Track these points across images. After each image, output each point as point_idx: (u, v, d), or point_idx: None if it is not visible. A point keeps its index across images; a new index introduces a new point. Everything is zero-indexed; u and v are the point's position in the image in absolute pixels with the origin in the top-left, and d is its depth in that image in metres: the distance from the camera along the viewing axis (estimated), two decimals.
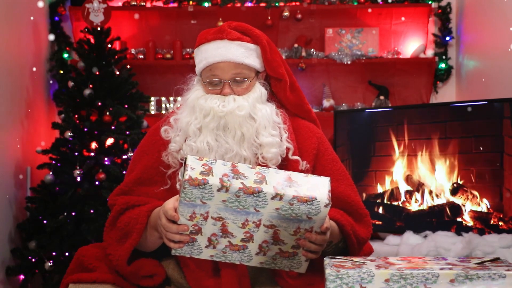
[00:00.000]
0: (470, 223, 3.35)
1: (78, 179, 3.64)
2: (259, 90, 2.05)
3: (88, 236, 3.52)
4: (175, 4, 4.50)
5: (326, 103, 4.49)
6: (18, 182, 3.80)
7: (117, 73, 3.84)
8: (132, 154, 3.61)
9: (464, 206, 3.39)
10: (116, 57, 3.87)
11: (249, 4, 4.50)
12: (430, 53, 4.49)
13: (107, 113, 3.74)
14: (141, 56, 4.53)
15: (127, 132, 3.75)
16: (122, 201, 2.01)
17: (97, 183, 3.65)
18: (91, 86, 3.75)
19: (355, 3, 4.51)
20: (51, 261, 3.59)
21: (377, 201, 3.69)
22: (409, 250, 3.24)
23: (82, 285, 1.96)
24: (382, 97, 4.51)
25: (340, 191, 2.05)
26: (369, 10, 4.51)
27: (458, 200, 3.42)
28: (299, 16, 4.52)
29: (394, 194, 3.65)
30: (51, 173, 3.70)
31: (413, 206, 3.57)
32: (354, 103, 4.56)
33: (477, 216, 3.33)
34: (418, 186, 3.57)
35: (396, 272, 1.55)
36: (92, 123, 3.74)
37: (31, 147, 3.92)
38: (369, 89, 4.63)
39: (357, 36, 4.52)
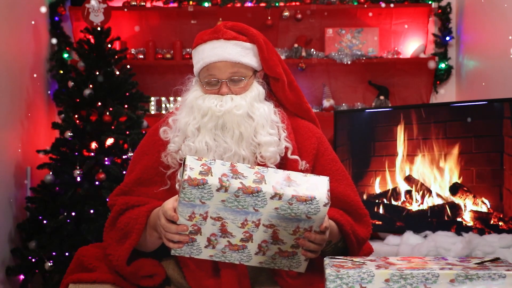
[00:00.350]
0: (470, 223, 3.35)
1: (78, 179, 3.64)
2: (257, 89, 2.05)
3: (88, 236, 3.52)
4: (175, 4, 4.50)
5: (326, 103, 4.49)
6: (18, 182, 3.80)
7: (117, 73, 3.84)
8: (132, 154, 3.61)
9: (464, 206, 3.39)
10: (116, 57, 3.87)
11: (249, 4, 4.50)
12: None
13: (107, 113, 3.74)
14: (141, 56, 4.54)
15: (127, 132, 3.75)
16: (122, 202, 2.01)
17: (97, 183, 3.65)
18: (91, 86, 3.75)
19: (355, 3, 4.51)
20: (51, 261, 3.59)
21: (377, 201, 3.69)
22: (409, 250, 3.24)
23: (82, 285, 1.96)
24: (382, 97, 4.51)
25: (339, 191, 2.05)
26: (370, 14, 4.52)
27: (458, 200, 3.42)
28: (299, 16, 4.52)
29: (394, 194, 3.65)
30: (51, 173, 3.70)
31: (413, 206, 3.57)
32: (354, 103, 4.56)
33: (477, 216, 3.33)
34: (418, 186, 3.57)
35: (396, 272, 1.55)
36: (92, 123, 3.74)
37: (31, 147, 3.92)
38: (369, 89, 4.63)
39: (357, 36, 4.52)
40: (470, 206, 3.37)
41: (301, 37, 4.56)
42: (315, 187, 1.76)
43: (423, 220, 3.51)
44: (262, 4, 4.48)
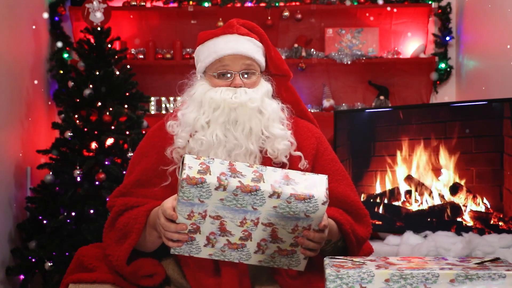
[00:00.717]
0: (470, 223, 3.35)
1: (78, 179, 3.64)
2: (266, 86, 2.06)
3: (88, 236, 3.52)
4: (175, 4, 4.50)
5: (326, 103, 4.49)
6: (18, 182, 3.80)
7: (117, 73, 3.84)
8: (132, 154, 3.61)
9: (464, 206, 3.39)
10: (116, 57, 3.87)
11: (249, 4, 4.50)
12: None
13: (107, 113, 3.74)
14: (141, 56, 4.54)
15: (127, 132, 3.75)
16: (121, 203, 2.01)
17: (97, 183, 3.65)
18: (91, 86, 3.75)
19: (355, 3, 4.51)
20: (51, 261, 3.59)
21: (377, 201, 3.69)
22: (409, 250, 3.24)
23: (82, 285, 1.96)
24: (382, 97, 4.51)
25: (339, 191, 2.06)
26: (367, 14, 4.51)
27: (458, 200, 3.42)
28: (299, 16, 4.52)
29: (394, 194, 3.65)
30: (51, 173, 3.70)
31: (413, 206, 3.57)
32: (354, 103, 4.56)
33: (477, 216, 3.33)
34: (418, 186, 3.57)
35: (396, 272, 1.55)
36: (92, 123, 3.74)
37: (31, 147, 3.92)
38: (369, 89, 4.63)
39: (357, 36, 4.52)
40: (470, 206, 3.37)
41: (301, 37, 4.56)
42: (314, 185, 1.76)
43: (423, 220, 3.51)
44: (262, 4, 4.48)
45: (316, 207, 1.76)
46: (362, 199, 3.63)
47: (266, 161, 2.01)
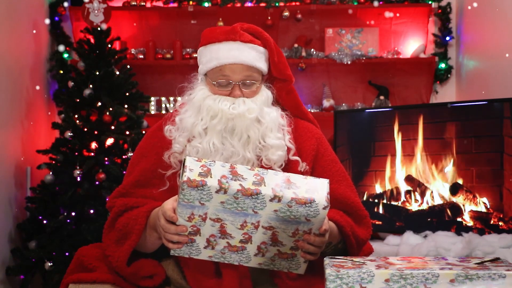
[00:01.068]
0: (470, 223, 3.35)
1: (78, 179, 3.64)
2: (266, 94, 2.05)
3: (88, 236, 3.52)
4: (175, 4, 4.50)
5: (326, 103, 4.49)
6: (18, 182, 3.80)
7: (117, 73, 3.84)
8: (132, 154, 3.60)
9: (464, 206, 3.39)
10: (116, 57, 3.87)
11: (249, 4, 4.50)
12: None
13: (107, 113, 3.73)
14: (141, 56, 4.53)
15: (127, 132, 3.75)
16: (121, 203, 2.01)
17: (97, 183, 3.65)
18: (91, 86, 3.75)
19: (355, 3, 4.51)
20: (51, 261, 3.59)
21: (377, 201, 3.69)
22: (409, 250, 3.24)
23: (82, 285, 1.96)
24: (382, 97, 4.51)
25: (339, 193, 2.05)
26: (368, 21, 4.52)
27: (458, 200, 3.42)
28: (299, 16, 4.52)
29: (394, 194, 3.65)
30: (51, 173, 3.70)
31: (413, 206, 3.57)
32: (354, 103, 4.56)
33: (477, 216, 3.33)
34: (418, 186, 3.57)
35: (396, 272, 1.55)
36: (92, 123, 3.74)
37: (31, 147, 3.92)
38: (369, 89, 4.63)
39: (357, 36, 4.52)
40: (470, 206, 3.37)
41: (301, 37, 4.56)
42: (315, 189, 1.76)
43: (423, 220, 3.51)
44: (262, 4, 4.48)
45: (317, 212, 1.75)
46: (362, 199, 3.63)
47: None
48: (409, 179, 3.61)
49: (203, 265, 1.95)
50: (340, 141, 3.81)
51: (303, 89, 4.59)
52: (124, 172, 3.46)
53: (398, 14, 4.55)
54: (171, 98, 4.46)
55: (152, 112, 4.45)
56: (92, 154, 3.71)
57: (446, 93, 4.55)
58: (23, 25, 3.98)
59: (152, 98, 4.43)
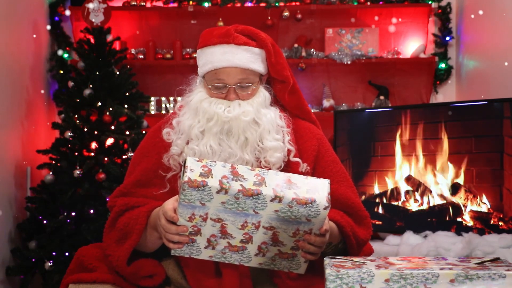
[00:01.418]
0: (470, 223, 3.35)
1: (78, 179, 3.64)
2: (263, 95, 2.04)
3: (88, 236, 3.52)
4: (175, 4, 4.50)
5: (326, 103, 4.49)
6: (18, 182, 3.80)
7: (117, 73, 3.84)
8: (132, 154, 3.61)
9: (464, 206, 3.39)
10: (116, 57, 3.87)
11: (249, 4, 4.50)
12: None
13: (107, 113, 3.74)
14: (141, 56, 4.54)
15: (127, 132, 3.75)
16: (121, 203, 2.01)
17: (97, 183, 3.65)
18: (91, 86, 3.75)
19: (355, 3, 4.51)
20: (51, 261, 3.59)
21: (377, 201, 3.69)
22: (409, 250, 3.24)
23: (82, 285, 1.96)
24: (382, 97, 4.51)
25: (340, 193, 2.05)
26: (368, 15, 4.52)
27: (458, 200, 3.42)
28: (299, 16, 4.52)
29: (394, 194, 3.65)
30: (51, 173, 3.70)
31: (413, 206, 3.57)
32: (354, 103, 4.56)
33: (477, 216, 3.33)
34: (418, 186, 3.57)
35: (396, 272, 1.55)
36: (92, 123, 3.74)
37: (31, 147, 3.92)
38: (369, 89, 4.63)
39: (357, 36, 4.52)
40: (470, 206, 3.37)
41: (301, 37, 4.56)
42: (316, 190, 1.76)
43: (423, 220, 3.51)
44: (262, 4, 4.48)
45: (317, 212, 1.75)
46: (362, 199, 3.63)
47: None
48: (409, 179, 3.61)
49: (203, 265, 1.96)
50: (340, 141, 3.81)
51: (303, 89, 4.59)
52: (124, 172, 3.48)
53: (400, 19, 4.55)
54: (171, 98, 4.46)
55: (152, 112, 4.45)
56: (92, 154, 3.71)
57: (446, 93, 4.55)
58: (23, 25, 3.98)
59: (152, 98, 4.43)
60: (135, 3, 4.48)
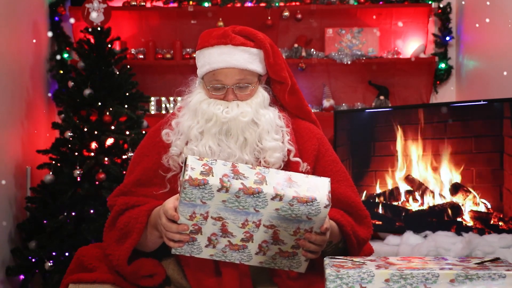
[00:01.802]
0: (470, 223, 3.35)
1: (78, 179, 3.64)
2: (262, 95, 2.05)
3: (88, 236, 3.52)
4: (175, 4, 4.50)
5: (326, 103, 4.49)
6: (18, 182, 3.80)
7: (117, 73, 3.84)
8: (132, 154, 3.61)
9: (464, 206, 3.39)
10: (116, 57, 3.87)
11: (249, 4, 4.50)
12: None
13: (107, 113, 3.74)
14: (141, 56, 4.54)
15: (127, 132, 3.75)
16: (122, 202, 2.01)
17: (97, 183, 3.65)
18: (91, 86, 3.75)
19: (355, 3, 4.51)
20: (51, 261, 3.59)
21: (377, 201, 3.69)
22: (409, 250, 3.25)
23: (82, 285, 1.96)
24: (382, 97, 4.51)
25: (340, 192, 2.05)
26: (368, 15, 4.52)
27: (458, 200, 3.42)
28: (299, 16, 4.52)
29: (394, 194, 3.65)
30: (51, 173, 3.70)
31: (413, 206, 3.57)
32: (354, 103, 4.56)
33: (477, 216, 3.33)
34: (418, 186, 3.57)
35: (396, 272, 1.55)
36: (92, 123, 3.74)
37: (31, 147, 3.92)
38: (369, 89, 4.63)
39: (357, 36, 4.52)
40: (470, 206, 3.37)
41: (301, 37, 4.56)
42: (316, 188, 1.76)
43: (423, 220, 3.51)
44: (262, 4, 4.48)
45: (318, 210, 1.76)
46: (362, 199, 3.63)
47: None
48: (409, 179, 3.61)
49: (204, 264, 1.96)
50: (340, 141, 3.82)
51: (303, 89, 4.59)
52: (124, 172, 3.49)
53: (400, 19, 4.55)
54: (171, 98, 4.46)
55: (152, 112, 4.45)
56: (92, 154, 3.71)
57: (446, 93, 4.55)
58: (23, 25, 3.98)
59: (152, 98, 4.43)
60: (135, 3, 4.48)
